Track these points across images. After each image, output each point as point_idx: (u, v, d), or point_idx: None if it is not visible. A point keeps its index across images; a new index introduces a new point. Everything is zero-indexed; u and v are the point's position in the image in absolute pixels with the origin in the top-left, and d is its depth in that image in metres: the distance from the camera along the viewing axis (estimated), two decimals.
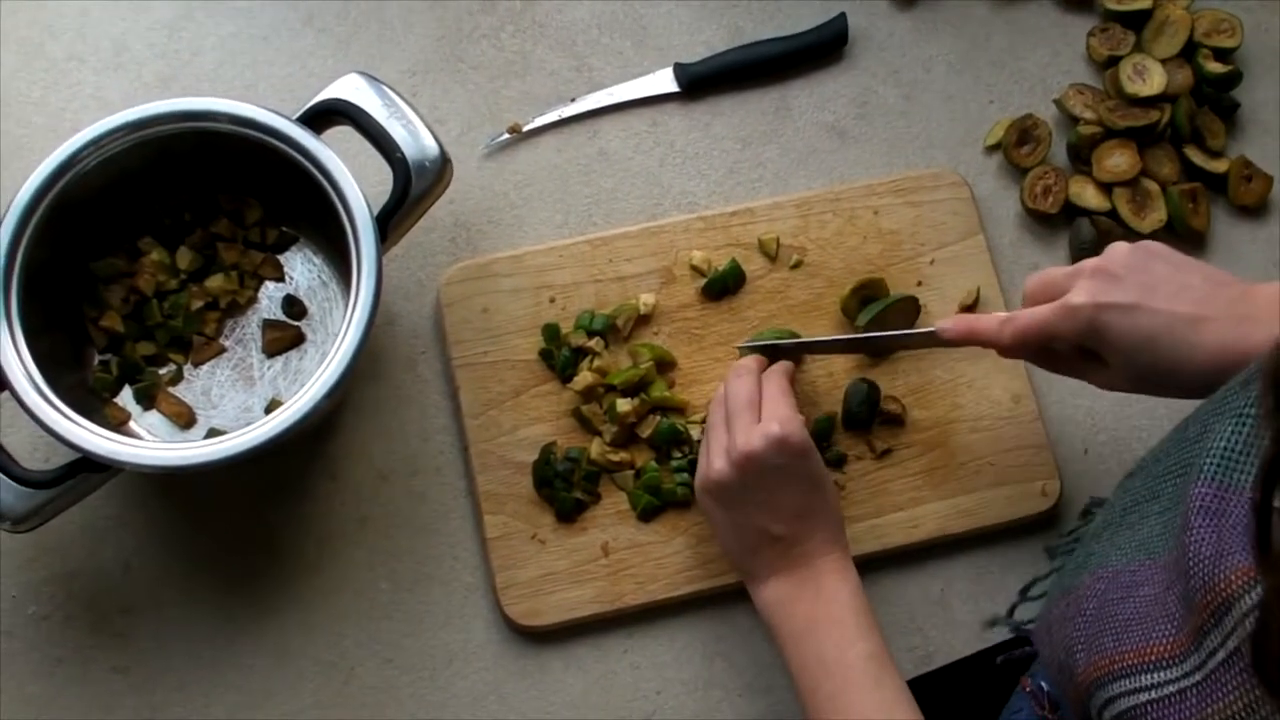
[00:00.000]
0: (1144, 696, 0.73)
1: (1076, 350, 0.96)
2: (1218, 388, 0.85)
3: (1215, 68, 1.21)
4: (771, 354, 1.11)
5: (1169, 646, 0.73)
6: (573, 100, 1.23)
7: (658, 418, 1.11)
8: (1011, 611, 1.08)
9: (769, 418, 0.99)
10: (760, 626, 1.07)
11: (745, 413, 1.00)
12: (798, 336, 1.13)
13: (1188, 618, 0.72)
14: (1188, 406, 0.86)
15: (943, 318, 1.06)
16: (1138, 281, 0.91)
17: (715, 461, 1.00)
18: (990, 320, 1.00)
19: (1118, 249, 0.94)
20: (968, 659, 1.11)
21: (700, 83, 1.23)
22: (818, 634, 0.97)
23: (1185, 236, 1.19)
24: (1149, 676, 0.73)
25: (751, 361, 1.06)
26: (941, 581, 1.12)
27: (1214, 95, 1.22)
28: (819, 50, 1.24)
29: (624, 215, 1.20)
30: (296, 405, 0.99)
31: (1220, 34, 1.23)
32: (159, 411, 1.11)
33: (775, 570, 1.00)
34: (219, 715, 1.07)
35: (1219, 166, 1.20)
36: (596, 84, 1.24)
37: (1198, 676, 0.71)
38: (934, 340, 1.04)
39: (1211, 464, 0.75)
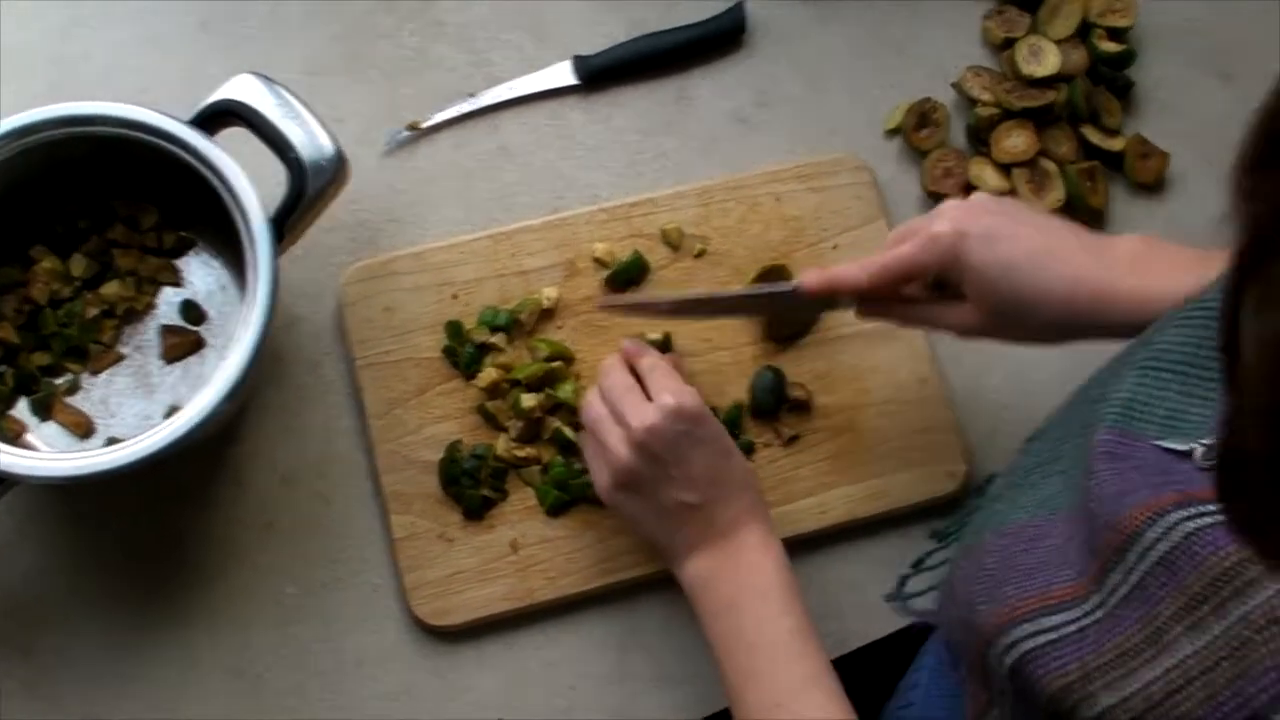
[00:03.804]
0: (1045, 638, 0.74)
1: (931, 293, 0.99)
2: (1068, 328, 0.90)
3: (1109, 47, 1.22)
4: (637, 312, 1.12)
5: (1071, 590, 0.74)
6: (472, 96, 1.22)
7: (557, 422, 1.11)
8: (902, 583, 1.08)
9: (659, 391, 0.99)
10: (674, 616, 1.08)
11: (628, 396, 1.00)
12: None
13: (1090, 562, 0.73)
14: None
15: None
16: (998, 215, 0.95)
17: (616, 452, 0.99)
18: (850, 266, 1.00)
19: (977, 194, 0.99)
20: (883, 640, 1.12)
21: (599, 75, 1.23)
22: (740, 609, 0.97)
23: (1084, 215, 1.19)
24: (1051, 619, 0.74)
25: (614, 358, 1.06)
26: (854, 565, 1.13)
27: (1109, 74, 1.22)
28: (718, 40, 1.24)
29: (526, 209, 1.19)
30: (193, 410, 0.98)
31: (1114, 14, 1.24)
32: (56, 422, 1.09)
33: (697, 546, 1.00)
34: None
35: (1116, 145, 1.21)
36: (496, 79, 1.23)
37: (1099, 614, 0.72)
38: (796, 296, 1.03)
39: (1114, 413, 0.77)
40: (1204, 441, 0.72)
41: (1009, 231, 0.94)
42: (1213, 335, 0.77)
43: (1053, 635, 0.73)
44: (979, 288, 0.95)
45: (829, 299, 1.03)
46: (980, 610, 0.79)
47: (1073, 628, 0.72)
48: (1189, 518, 0.66)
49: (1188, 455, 0.72)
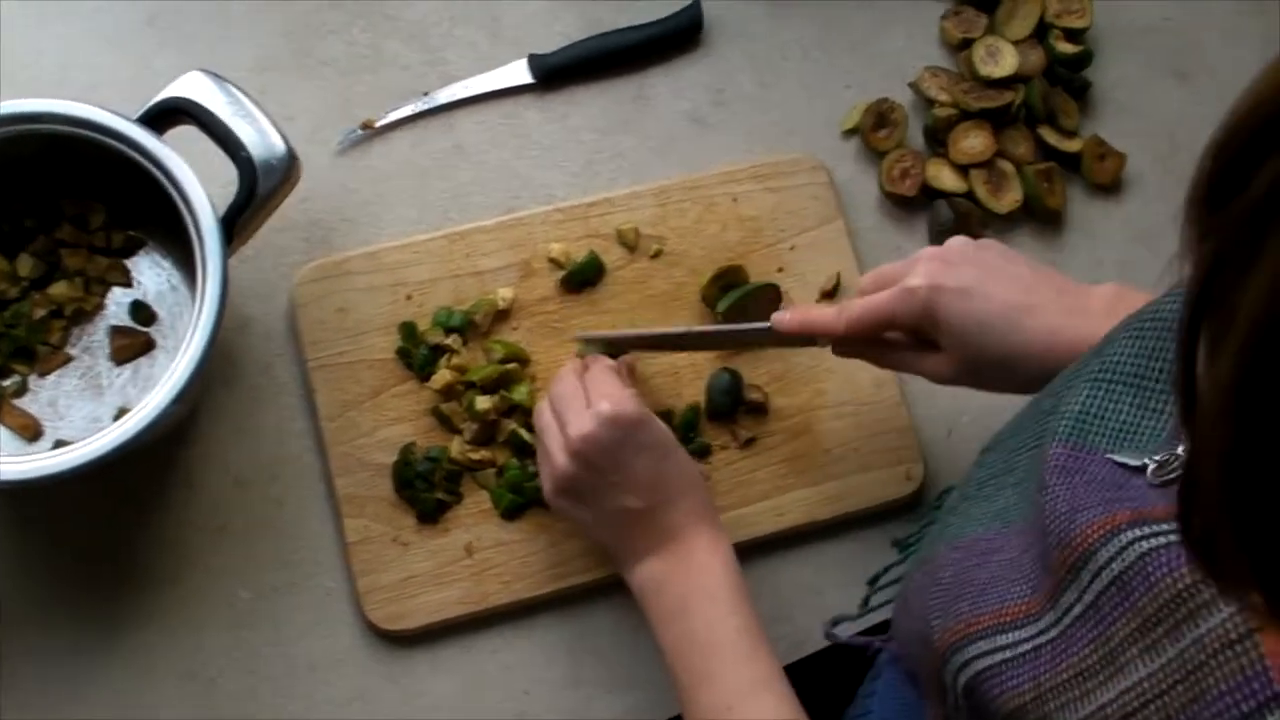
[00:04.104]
0: (999, 656, 0.73)
1: (910, 338, 0.98)
2: (1043, 379, 0.87)
3: (1066, 48, 1.22)
4: (610, 347, 1.10)
5: (1025, 606, 0.74)
6: (426, 94, 1.21)
7: (513, 425, 1.10)
8: (866, 601, 1.08)
9: (597, 398, 0.98)
10: (628, 621, 1.07)
11: (573, 403, 0.99)
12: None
13: (1044, 578, 0.73)
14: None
15: (803, 303, 1.05)
16: (973, 267, 0.94)
17: (555, 459, 0.99)
18: (827, 310, 1.00)
19: (954, 240, 0.97)
20: (841, 645, 1.11)
21: (555, 74, 1.22)
22: (689, 611, 0.96)
23: (1042, 216, 1.20)
24: (1005, 637, 0.74)
25: (569, 366, 1.05)
26: (810, 568, 1.12)
27: (1066, 75, 1.22)
28: (675, 39, 1.24)
29: (481, 209, 1.18)
30: (142, 413, 0.96)
31: (1071, 15, 1.24)
32: (3, 425, 1.08)
33: (646, 551, 0.99)
34: None
35: (1073, 146, 1.21)
36: (451, 77, 1.22)
37: (1053, 633, 0.71)
38: (771, 335, 1.03)
39: (1066, 426, 0.76)
40: (1156, 457, 0.71)
41: (984, 287, 0.93)
42: (1164, 346, 0.76)
43: (1007, 654, 0.73)
44: (955, 342, 0.94)
45: (805, 338, 1.02)
46: (934, 624, 0.79)
47: (1027, 646, 0.72)
48: (1142, 537, 0.65)
49: (1140, 471, 0.71)
